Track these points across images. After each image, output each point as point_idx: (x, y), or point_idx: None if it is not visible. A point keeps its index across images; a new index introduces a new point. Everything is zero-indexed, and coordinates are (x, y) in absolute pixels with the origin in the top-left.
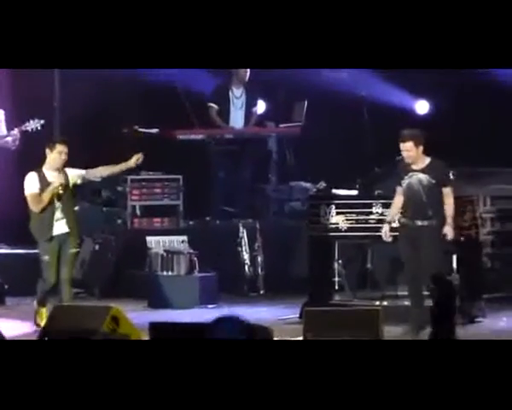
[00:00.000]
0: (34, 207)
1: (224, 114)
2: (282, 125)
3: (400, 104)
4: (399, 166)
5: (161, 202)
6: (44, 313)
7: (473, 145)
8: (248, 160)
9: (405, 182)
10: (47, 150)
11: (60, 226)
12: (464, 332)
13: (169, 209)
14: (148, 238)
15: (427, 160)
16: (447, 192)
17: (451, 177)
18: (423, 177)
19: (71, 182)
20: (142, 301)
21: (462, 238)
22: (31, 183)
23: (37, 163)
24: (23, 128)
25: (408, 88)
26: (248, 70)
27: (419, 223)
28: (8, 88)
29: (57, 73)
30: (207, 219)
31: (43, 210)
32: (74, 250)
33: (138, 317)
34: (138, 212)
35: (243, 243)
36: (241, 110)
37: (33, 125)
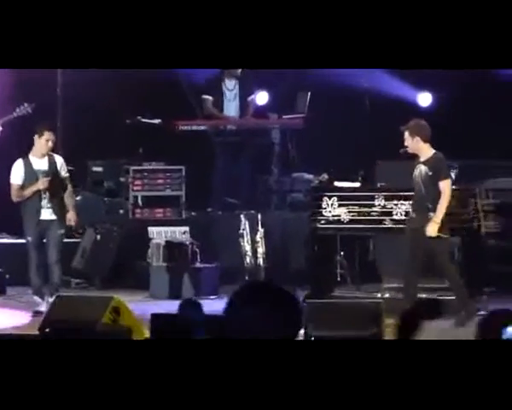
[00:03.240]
0: (14, 198)
1: (219, 105)
2: (284, 117)
3: (403, 96)
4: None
5: (163, 192)
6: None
7: (476, 138)
8: (251, 151)
9: (413, 173)
10: (35, 136)
11: (46, 213)
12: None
13: (171, 200)
14: (150, 229)
15: (431, 152)
16: (442, 186)
17: (451, 171)
18: (424, 169)
19: (59, 168)
20: (143, 292)
21: (463, 231)
22: (15, 172)
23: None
24: (14, 115)
25: (411, 80)
26: None
27: (418, 215)
28: (11, 77)
29: None
30: (209, 210)
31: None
32: (61, 232)
33: (139, 307)
34: (140, 202)
35: (245, 235)
36: (234, 102)
37: (23, 110)
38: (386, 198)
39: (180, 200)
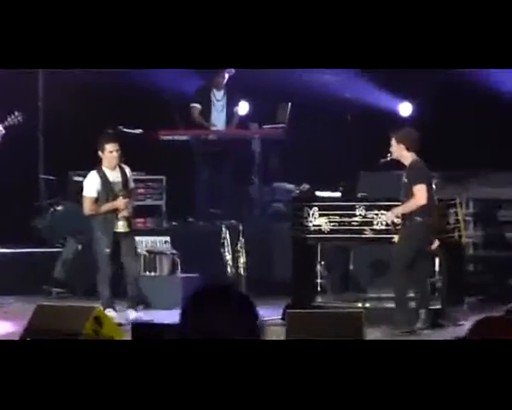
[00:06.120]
0: (87, 211)
1: (206, 114)
2: (265, 127)
3: (384, 106)
4: None
5: (144, 202)
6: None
7: (456, 147)
8: (232, 161)
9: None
10: (99, 153)
11: (120, 225)
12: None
13: (152, 210)
14: None
15: (410, 159)
16: (414, 191)
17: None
18: (404, 177)
19: (129, 180)
20: (124, 302)
21: (444, 241)
22: (90, 185)
23: (21, 157)
24: (6, 124)
25: (392, 90)
26: (227, 75)
27: (398, 221)
28: None
29: (41, 73)
30: (190, 219)
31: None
32: (135, 245)
33: (121, 317)
34: None
35: (226, 245)
36: (222, 112)
37: (15, 119)
38: (367, 208)
39: (161, 210)
